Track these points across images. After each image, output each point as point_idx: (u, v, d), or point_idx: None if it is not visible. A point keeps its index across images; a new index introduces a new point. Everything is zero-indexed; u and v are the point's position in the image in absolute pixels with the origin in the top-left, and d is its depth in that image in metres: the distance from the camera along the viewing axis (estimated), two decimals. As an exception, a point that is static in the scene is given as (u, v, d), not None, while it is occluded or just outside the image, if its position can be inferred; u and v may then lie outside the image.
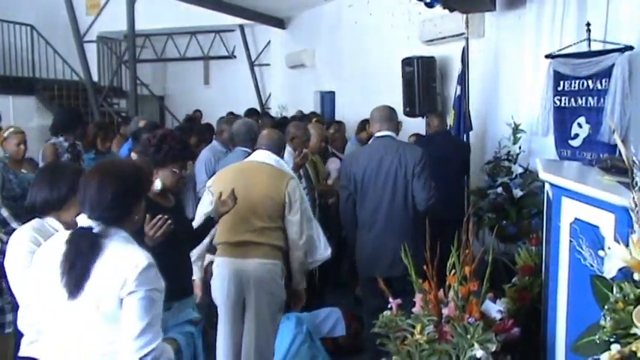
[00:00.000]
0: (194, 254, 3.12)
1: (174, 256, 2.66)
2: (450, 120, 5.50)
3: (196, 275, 3.24)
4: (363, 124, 6.20)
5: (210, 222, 3.00)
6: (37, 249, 2.13)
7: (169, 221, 2.46)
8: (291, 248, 3.33)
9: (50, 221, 2.27)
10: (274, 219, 3.28)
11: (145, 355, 1.84)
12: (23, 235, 2.21)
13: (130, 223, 1.97)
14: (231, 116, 7.04)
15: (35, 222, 2.27)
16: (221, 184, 3.24)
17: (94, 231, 1.86)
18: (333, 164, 5.34)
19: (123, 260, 1.85)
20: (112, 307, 1.82)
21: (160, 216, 2.46)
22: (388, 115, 3.86)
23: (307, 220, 3.48)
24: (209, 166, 4.51)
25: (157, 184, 2.69)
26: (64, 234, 1.96)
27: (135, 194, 1.98)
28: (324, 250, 3.66)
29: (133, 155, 4.68)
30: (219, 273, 3.28)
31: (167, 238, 2.51)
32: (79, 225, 1.90)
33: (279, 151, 3.54)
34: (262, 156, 3.44)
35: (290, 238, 3.31)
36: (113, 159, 2.50)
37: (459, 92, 5.37)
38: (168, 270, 2.63)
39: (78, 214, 2.25)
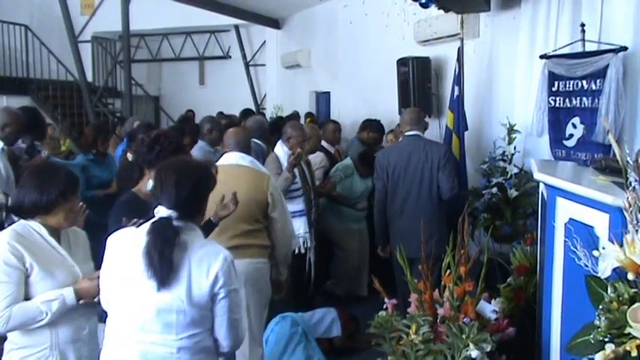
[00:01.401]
0: None
1: None
2: (447, 121, 5.50)
3: None
4: (364, 125, 6.21)
5: (209, 225, 2.98)
6: (15, 262, 2.08)
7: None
8: (276, 244, 3.36)
9: (34, 225, 2.20)
10: (260, 220, 3.30)
11: (239, 343, 2.05)
12: (2, 243, 2.12)
13: (200, 219, 2.06)
14: (218, 116, 7.02)
15: (19, 226, 2.20)
16: None
17: (174, 223, 1.91)
18: (317, 158, 5.25)
19: (211, 255, 1.94)
20: (204, 299, 1.91)
21: (135, 220, 2.41)
22: (417, 117, 4.29)
23: (286, 212, 3.54)
24: None
25: (150, 185, 2.67)
26: (132, 232, 1.97)
27: (206, 192, 2.08)
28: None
29: (128, 155, 4.65)
30: None
31: None
32: (159, 216, 1.92)
33: (248, 149, 3.53)
34: (235, 158, 3.40)
35: (275, 234, 3.34)
36: (184, 157, 2.47)
37: (457, 93, 5.37)
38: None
39: (65, 219, 2.23)
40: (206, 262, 1.91)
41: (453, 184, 4.03)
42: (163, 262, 1.84)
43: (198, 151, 4.67)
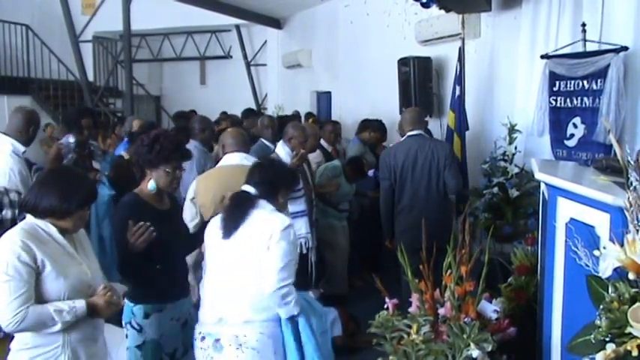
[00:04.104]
0: (189, 262, 3.13)
1: (169, 258, 2.66)
2: (449, 121, 5.50)
3: (194, 282, 3.27)
4: (364, 124, 6.21)
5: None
6: (27, 259, 2.06)
7: (151, 228, 2.43)
8: None
9: (42, 223, 2.17)
10: None
11: (282, 287, 2.45)
12: (15, 240, 2.09)
13: (277, 202, 2.66)
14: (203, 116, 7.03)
15: (27, 225, 2.16)
16: (207, 194, 3.20)
17: (251, 195, 2.60)
18: (312, 155, 5.23)
19: (271, 220, 2.54)
20: (262, 251, 2.47)
21: (141, 223, 2.43)
22: (418, 117, 4.48)
23: (288, 212, 3.54)
24: (199, 165, 4.48)
25: (151, 185, 2.66)
26: None
27: (283, 185, 2.71)
28: None
29: (124, 154, 4.66)
30: None
31: (161, 241, 2.50)
32: (243, 189, 2.64)
33: (247, 149, 3.58)
34: (239, 158, 3.41)
35: None
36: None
37: (458, 92, 5.38)
38: (163, 272, 2.63)
39: (74, 226, 2.23)
40: (266, 224, 2.50)
41: (459, 179, 4.30)
42: (230, 220, 2.54)
43: (193, 150, 4.64)
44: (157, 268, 2.59)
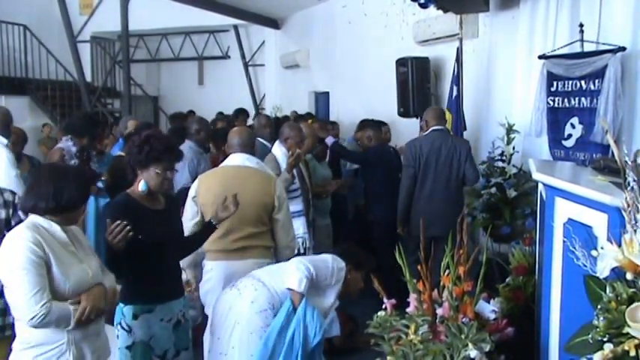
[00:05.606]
0: (186, 261, 3.13)
1: (161, 258, 2.65)
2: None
3: (193, 280, 3.26)
4: (362, 124, 6.21)
5: (209, 227, 2.97)
6: (40, 253, 2.07)
7: (128, 227, 2.38)
8: (279, 246, 3.38)
9: (43, 222, 2.17)
10: (265, 222, 3.32)
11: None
12: (26, 236, 2.10)
13: None
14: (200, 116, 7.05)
15: (32, 224, 2.16)
16: (209, 194, 3.20)
17: None
18: None
19: None
20: None
21: (118, 222, 2.38)
22: (441, 114, 4.89)
23: (289, 214, 3.55)
24: (191, 166, 4.48)
25: (142, 186, 2.65)
26: None
27: None
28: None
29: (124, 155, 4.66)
30: (213, 276, 3.28)
31: (154, 240, 2.49)
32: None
33: (252, 150, 3.54)
34: (242, 159, 3.39)
35: (278, 237, 3.36)
36: None
37: (455, 93, 5.38)
38: (153, 272, 2.62)
39: (79, 217, 2.27)
40: None
41: (478, 172, 4.65)
42: None
43: (188, 150, 4.62)
44: (146, 269, 2.58)
